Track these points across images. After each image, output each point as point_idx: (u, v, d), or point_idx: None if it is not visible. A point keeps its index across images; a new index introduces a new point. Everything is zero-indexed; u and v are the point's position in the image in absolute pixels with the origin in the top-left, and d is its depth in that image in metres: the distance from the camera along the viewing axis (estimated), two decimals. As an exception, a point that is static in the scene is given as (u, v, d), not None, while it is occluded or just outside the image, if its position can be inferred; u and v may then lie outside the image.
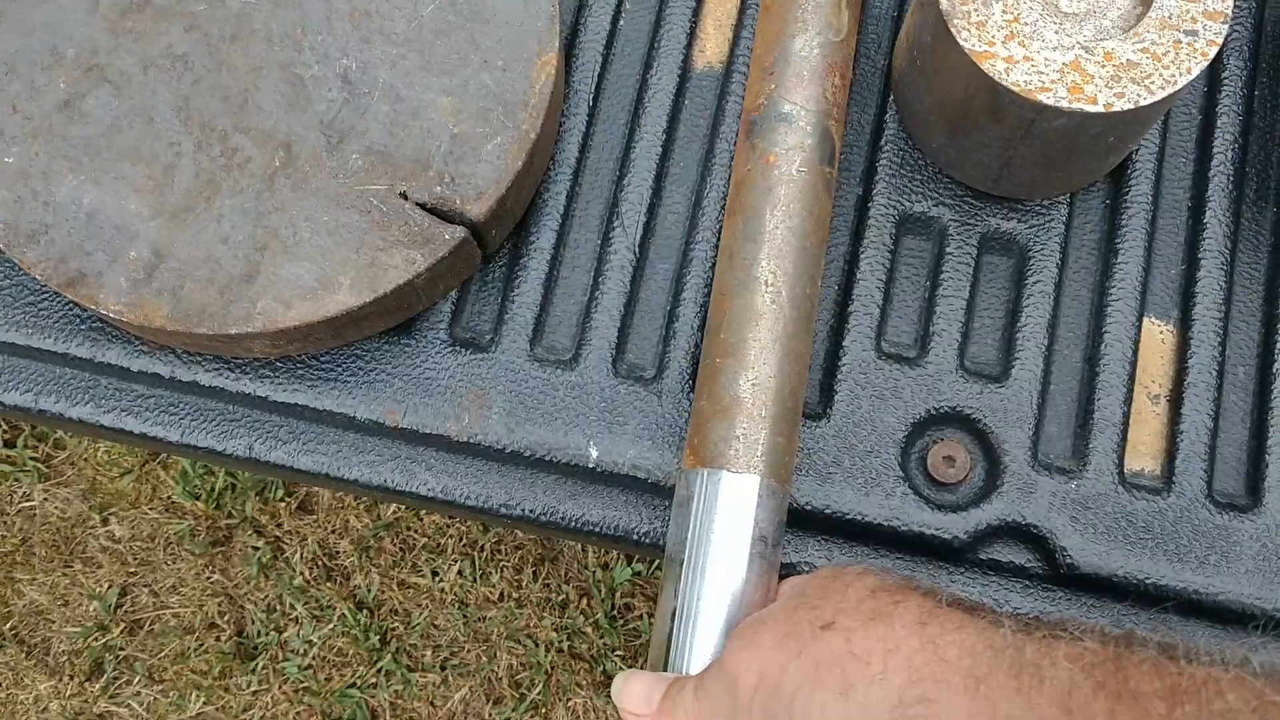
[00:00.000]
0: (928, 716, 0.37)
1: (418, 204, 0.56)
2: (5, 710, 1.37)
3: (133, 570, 1.41)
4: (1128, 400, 0.58)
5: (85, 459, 1.44)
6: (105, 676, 1.38)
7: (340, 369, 0.59)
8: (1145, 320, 0.60)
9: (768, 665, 0.42)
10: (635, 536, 0.58)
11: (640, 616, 1.37)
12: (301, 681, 1.37)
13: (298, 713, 1.37)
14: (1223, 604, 0.56)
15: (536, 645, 1.38)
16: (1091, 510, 0.57)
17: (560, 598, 1.39)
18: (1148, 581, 0.56)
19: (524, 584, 1.39)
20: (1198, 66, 0.52)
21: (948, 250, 0.60)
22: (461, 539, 1.40)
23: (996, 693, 0.36)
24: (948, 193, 0.61)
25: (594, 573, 1.39)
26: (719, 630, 0.49)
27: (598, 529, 0.58)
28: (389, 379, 0.59)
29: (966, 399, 0.58)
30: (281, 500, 1.42)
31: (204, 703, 1.37)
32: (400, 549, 1.41)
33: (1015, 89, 0.52)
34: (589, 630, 1.38)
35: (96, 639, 1.38)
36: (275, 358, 0.59)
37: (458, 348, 0.59)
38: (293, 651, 1.38)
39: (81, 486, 1.43)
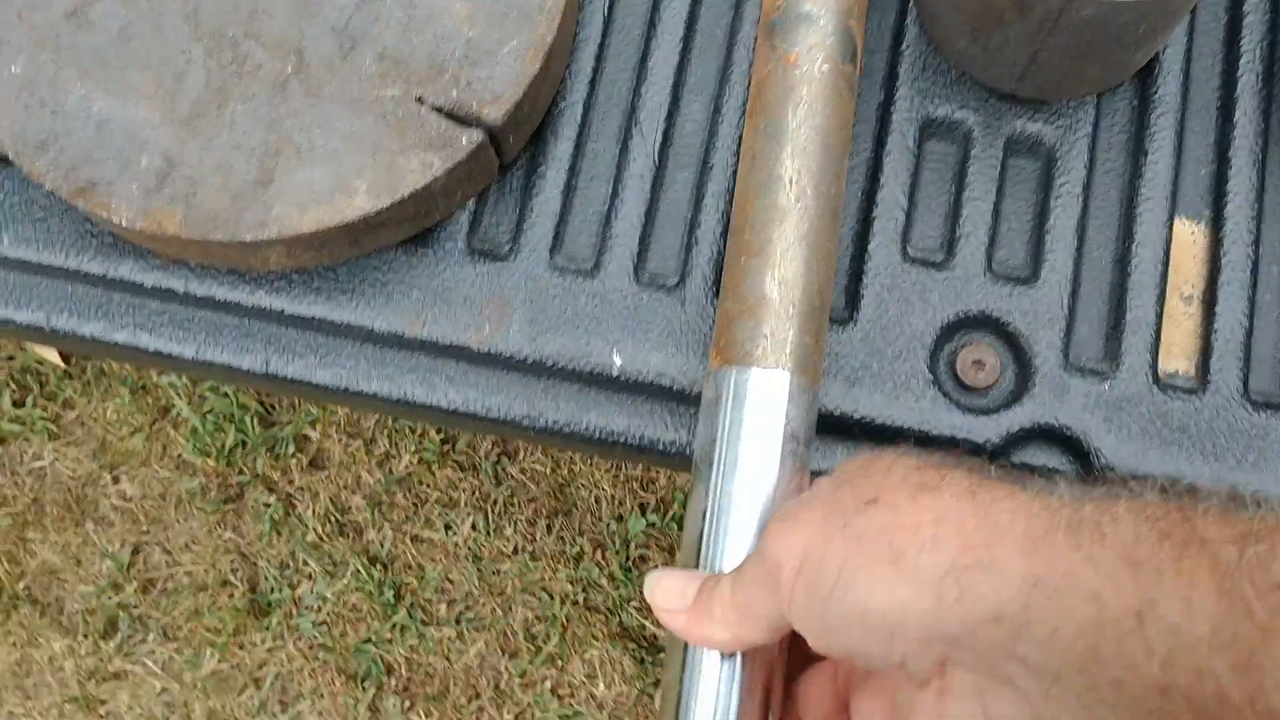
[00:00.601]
0: (982, 580, 0.36)
1: (434, 108, 0.55)
2: (21, 669, 1.37)
3: (145, 529, 1.40)
4: (1160, 301, 0.57)
5: (94, 418, 1.43)
6: (120, 635, 1.38)
7: (357, 280, 0.58)
8: (1176, 220, 0.59)
9: (811, 545, 0.41)
10: (660, 446, 0.57)
11: (656, 566, 1.36)
12: (316, 637, 1.37)
13: (313, 668, 1.36)
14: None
15: (552, 598, 1.37)
16: (1125, 411, 0.56)
17: (575, 550, 1.38)
18: (1186, 482, 0.55)
19: (538, 537, 1.39)
20: (1232, -52, 0.51)
21: (972, 154, 0.59)
22: (474, 493, 1.40)
23: (1054, 551, 0.35)
24: (971, 96, 0.60)
25: (608, 525, 1.38)
26: (752, 528, 0.48)
27: (622, 439, 0.57)
28: (407, 290, 0.58)
29: (995, 302, 0.57)
30: (293, 457, 1.41)
31: (219, 659, 1.37)
32: (413, 504, 1.40)
33: (1044, -25, 0.51)
34: (604, 582, 1.37)
35: (110, 597, 1.38)
36: (291, 270, 0.58)
37: (476, 258, 0.58)
38: (307, 608, 1.38)
39: (91, 446, 1.43)
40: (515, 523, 1.39)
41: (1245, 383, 0.56)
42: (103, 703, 1.36)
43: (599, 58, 0.61)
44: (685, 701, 0.47)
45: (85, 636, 1.38)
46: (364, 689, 1.36)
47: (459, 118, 0.55)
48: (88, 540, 1.40)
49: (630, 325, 0.57)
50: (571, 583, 1.37)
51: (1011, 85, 0.59)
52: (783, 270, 0.52)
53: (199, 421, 1.41)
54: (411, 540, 1.39)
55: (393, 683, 1.36)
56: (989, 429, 0.56)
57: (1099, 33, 0.53)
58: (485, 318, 0.57)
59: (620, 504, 1.39)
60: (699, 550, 0.49)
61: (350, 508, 1.40)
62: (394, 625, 1.37)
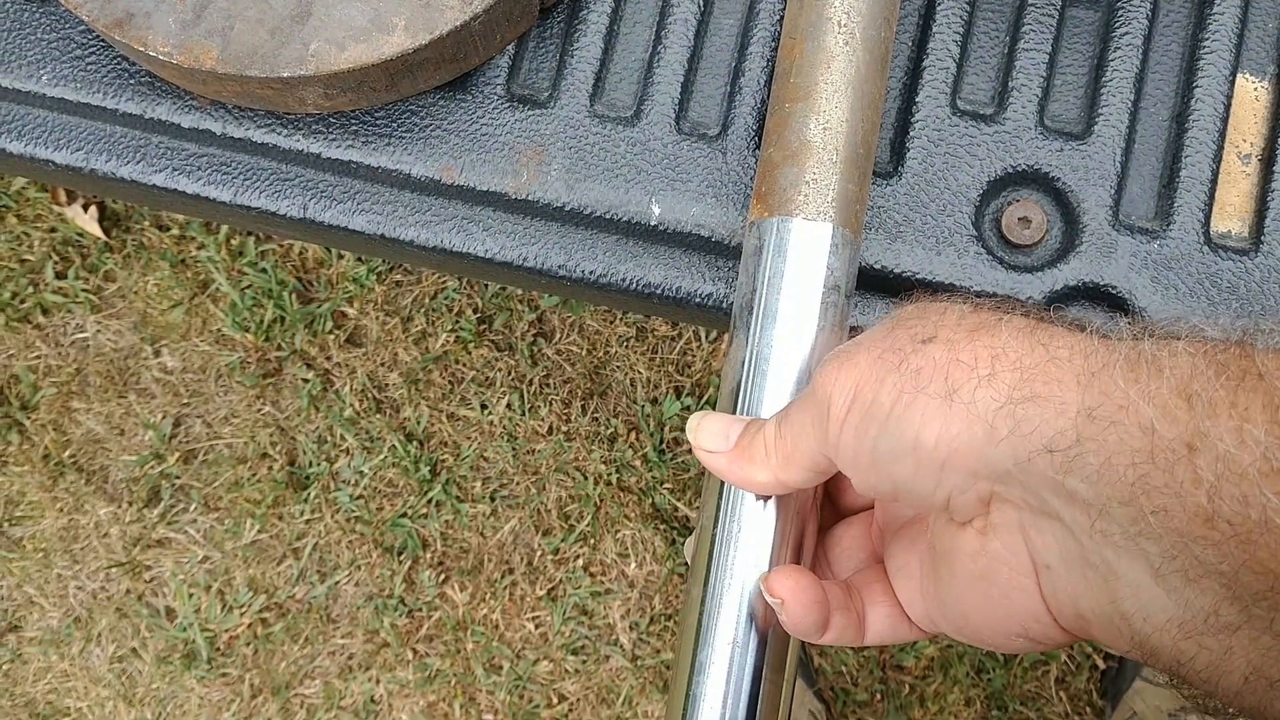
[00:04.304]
0: (1036, 413, 0.36)
1: (473, -56, 0.53)
2: (69, 534, 1.40)
3: (185, 401, 1.42)
4: (1216, 159, 0.55)
5: (136, 292, 1.45)
6: (162, 504, 1.40)
7: (395, 124, 0.57)
8: (1239, 76, 0.56)
9: (864, 381, 0.40)
10: (698, 299, 0.56)
11: (688, 451, 1.37)
12: (353, 511, 1.39)
13: (350, 540, 1.39)
14: (1309, 365, 0.54)
15: (585, 478, 1.39)
16: (1174, 271, 0.54)
17: (609, 431, 1.39)
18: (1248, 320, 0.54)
19: (573, 418, 1.39)
20: None
21: (1029, 2, 0.57)
22: (510, 373, 1.40)
23: (1110, 384, 0.35)
24: (1031, -58, 0.58)
25: (643, 407, 1.39)
26: (791, 378, 0.48)
27: (659, 291, 0.56)
28: (445, 135, 0.57)
29: (1045, 157, 0.56)
30: (330, 333, 1.42)
31: (259, 530, 1.39)
32: (449, 382, 1.41)
33: None
34: (637, 464, 1.38)
35: (153, 467, 1.41)
36: (329, 112, 0.57)
37: (515, 103, 0.57)
38: (344, 482, 1.40)
39: (133, 319, 1.44)
40: (550, 403, 1.40)
41: (1301, 244, 0.55)
42: (147, 568, 1.40)
43: (644, -101, 0.59)
44: (721, 544, 0.47)
45: (130, 504, 1.41)
46: (400, 561, 1.38)
47: (499, -46, 0.53)
48: (130, 411, 1.42)
49: (670, 175, 0.56)
50: (605, 463, 1.38)
51: (1072, -69, 0.57)
52: (828, 116, 0.51)
53: (238, 297, 1.42)
54: (447, 418, 1.41)
55: (428, 556, 1.39)
56: (1032, 286, 0.55)
57: None
58: (523, 164, 0.57)
59: (655, 387, 1.39)
60: (736, 399, 0.48)
61: (387, 384, 1.42)
62: (430, 500, 1.39)
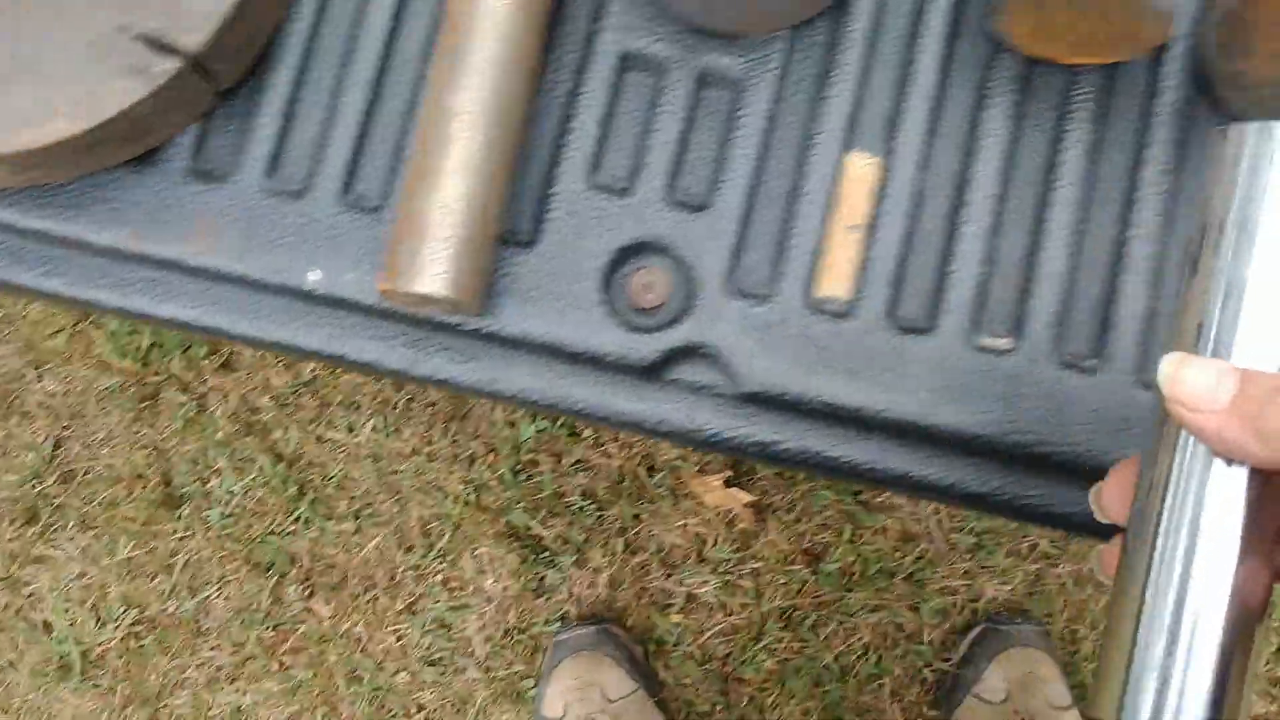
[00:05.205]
0: None
1: (137, 36, 0.59)
2: (-51, 551, 1.46)
3: (66, 424, 1.48)
4: (824, 229, 0.61)
5: (22, 317, 1.50)
6: (41, 522, 1.46)
7: (85, 197, 0.63)
8: (853, 153, 0.62)
9: None
10: (351, 358, 0.62)
11: (543, 472, 1.43)
12: (224, 529, 1.45)
13: (220, 557, 1.45)
14: (891, 419, 0.59)
15: (445, 497, 1.44)
16: (775, 333, 0.60)
17: (468, 453, 1.44)
18: (822, 398, 0.59)
19: (434, 439, 1.45)
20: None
21: (666, 85, 0.63)
22: (375, 397, 1.46)
23: None
24: (669, 30, 0.63)
25: (500, 430, 1.44)
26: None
27: (319, 352, 0.62)
28: (130, 206, 0.63)
29: (670, 228, 0.61)
30: (205, 359, 1.48)
31: (134, 547, 1.45)
32: (318, 405, 1.47)
33: (679, -81, 0.54)
34: (495, 484, 1.44)
35: (33, 487, 1.47)
36: (24, 185, 0.63)
37: (196, 178, 0.63)
38: (216, 501, 1.46)
39: (18, 344, 1.50)
40: (414, 425, 1.45)
41: (892, 308, 0.60)
42: (26, 584, 1.46)
43: (324, -11, 0.65)
44: (1179, 520, 0.39)
45: (11, 522, 1.46)
46: (268, 577, 1.44)
47: (160, 45, 0.59)
48: (11, 433, 1.48)
49: (331, 244, 0.62)
50: (464, 483, 1.44)
51: (701, 20, 0.62)
52: (444, 194, 0.57)
53: (117, 324, 1.47)
54: (316, 440, 1.46)
55: (295, 572, 1.45)
56: (647, 347, 0.60)
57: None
58: (199, 234, 0.62)
59: (512, 411, 1.45)
60: (1199, 338, 0.40)
61: (259, 408, 1.47)
62: (297, 519, 1.45)
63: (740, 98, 0.62)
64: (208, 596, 1.45)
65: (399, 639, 1.43)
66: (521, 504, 1.43)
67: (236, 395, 1.47)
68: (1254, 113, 0.59)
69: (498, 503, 1.44)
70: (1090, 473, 0.59)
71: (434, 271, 0.56)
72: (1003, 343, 0.60)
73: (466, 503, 1.44)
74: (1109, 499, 0.44)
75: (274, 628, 1.44)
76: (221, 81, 0.63)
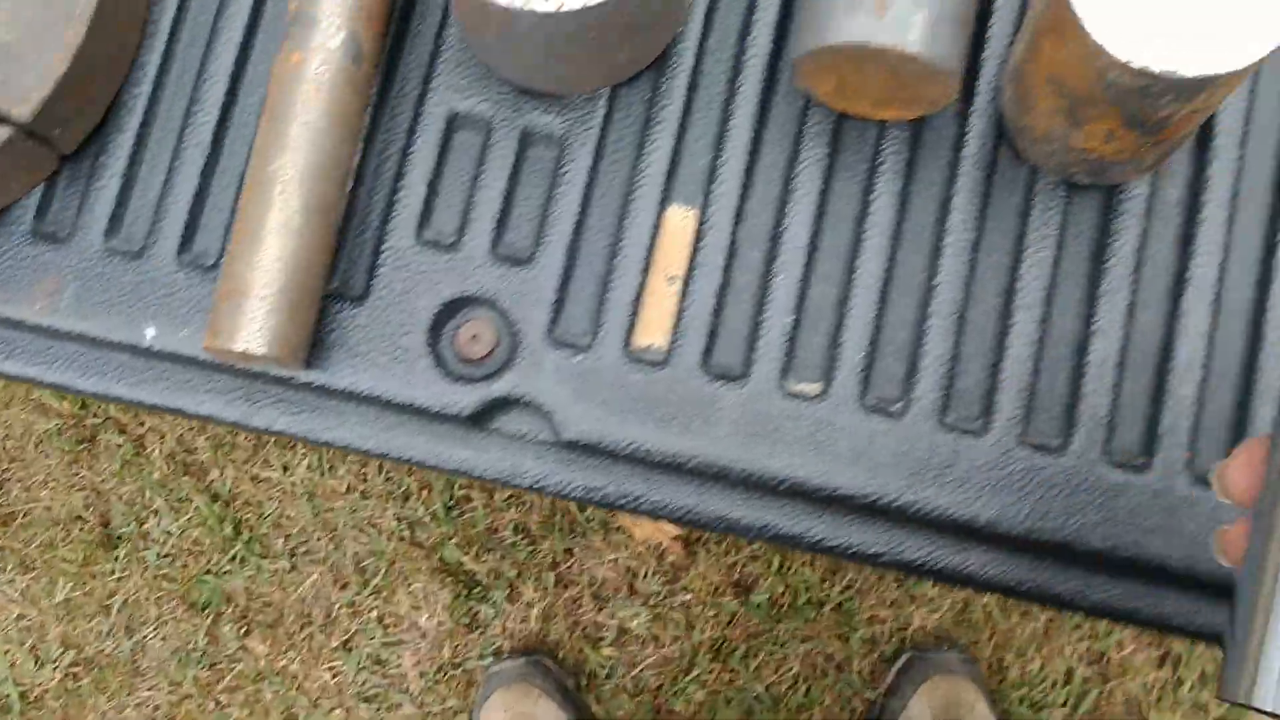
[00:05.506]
0: None
1: (-28, 108, 0.61)
2: (-109, 594, 1.48)
3: (5, 466, 1.50)
4: (643, 281, 0.63)
5: (-35, 363, 1.53)
6: (-18, 564, 1.48)
7: (-68, 261, 0.65)
8: (671, 206, 0.64)
9: None
10: (190, 410, 0.64)
11: (475, 508, 1.44)
12: (160, 569, 1.47)
13: (157, 597, 1.47)
14: (702, 465, 0.61)
15: (380, 534, 1.46)
16: (591, 382, 0.62)
17: (402, 490, 1.46)
18: (635, 446, 0.61)
19: (369, 477, 1.47)
20: (644, -35, 0.56)
21: (491, 144, 0.65)
22: (310, 435, 1.48)
23: None
24: (494, 90, 0.65)
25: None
26: None
27: (157, 404, 0.64)
28: (-25, 269, 0.65)
29: (495, 282, 0.63)
30: (143, 400, 1.50)
31: (71, 588, 1.47)
32: (253, 445, 1.49)
33: (475, -10, 0.56)
34: (428, 520, 1.45)
35: (-27, 529, 1.49)
36: (-128, 251, 0.65)
37: (39, 239, 0.65)
38: (153, 541, 1.48)
39: (-41, 389, 1.52)
40: (348, 463, 1.47)
41: (707, 356, 0.62)
42: (-33, 626, 1.47)
43: (166, 54, 0.67)
44: None
45: (-48, 565, 1.48)
46: (204, 616, 1.46)
47: (-7, 116, 0.61)
48: (-48, 476, 1.50)
49: (167, 302, 0.64)
50: (398, 520, 1.46)
51: (523, 81, 0.64)
52: (259, 256, 0.59)
53: (57, 366, 1.50)
54: (251, 479, 1.48)
55: (231, 611, 1.46)
56: (468, 397, 0.62)
57: (547, 40, 0.58)
58: (42, 294, 0.64)
59: (444, 447, 1.46)
60: None
61: (195, 448, 1.49)
62: (233, 558, 1.46)
63: (564, 155, 0.65)
64: (145, 636, 1.46)
65: (334, 675, 1.45)
66: (455, 539, 1.45)
67: (173, 436, 1.49)
68: (1047, 165, 0.61)
69: (431, 539, 1.46)
70: (895, 513, 0.60)
71: (252, 330, 0.58)
72: (812, 388, 0.61)
73: (401, 539, 1.46)
74: (1234, 478, 0.42)
75: (210, 666, 1.45)
76: (61, 146, 0.65)
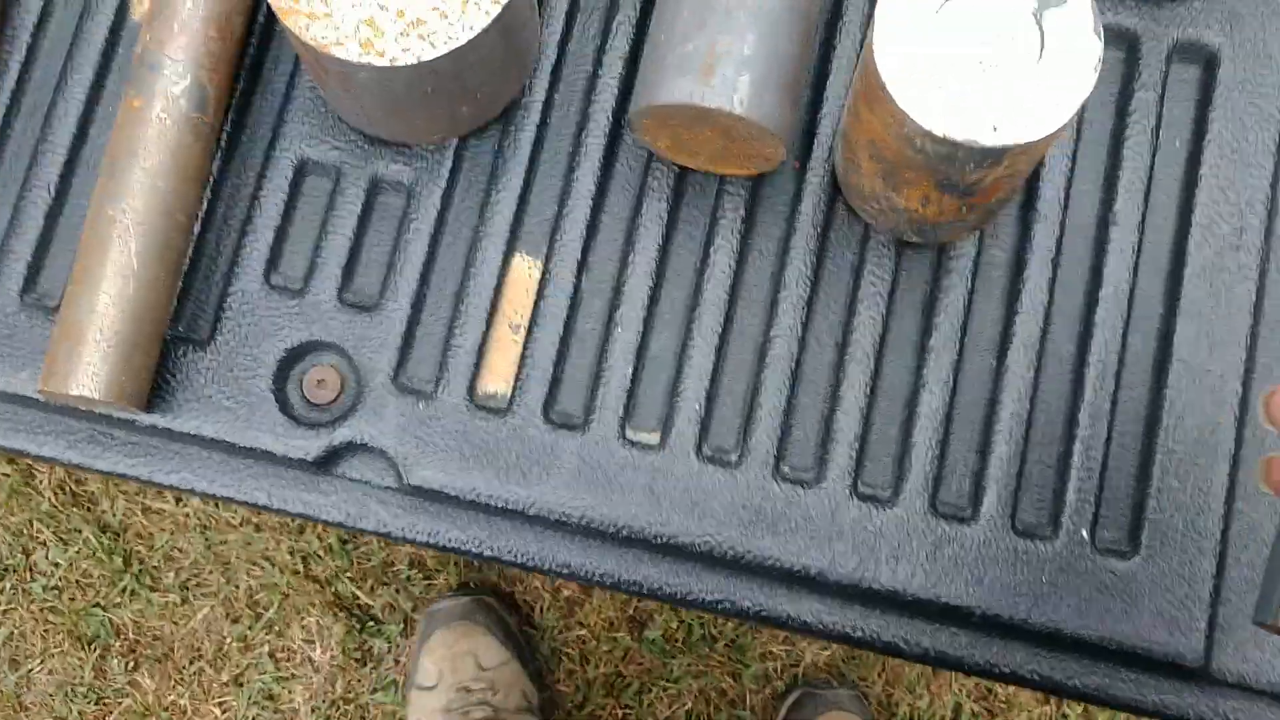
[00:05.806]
0: None
1: None
2: None
3: (-112, 496, 1.47)
4: (487, 329, 0.64)
5: None
6: None
7: None
8: (517, 256, 0.65)
9: None
10: (31, 453, 0.64)
11: (370, 542, 1.44)
12: (47, 601, 1.44)
13: (43, 630, 1.44)
14: (541, 513, 0.62)
15: (273, 567, 1.44)
16: (436, 428, 0.62)
17: (297, 523, 1.45)
18: (477, 493, 0.62)
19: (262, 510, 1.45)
20: (480, 24, 0.57)
21: (341, 190, 0.66)
22: (205, 467, 1.46)
23: None
24: (344, 138, 0.66)
25: (329, 499, 1.45)
26: None
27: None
28: None
29: (341, 327, 0.64)
30: (33, 430, 1.47)
31: (-46, 621, 1.44)
32: (147, 476, 1.47)
33: (312, 44, 0.57)
34: (322, 553, 1.44)
35: None
36: None
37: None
38: (40, 573, 1.45)
39: None
40: (243, 496, 1.46)
41: (547, 405, 0.63)
42: None
43: (15, 93, 0.67)
44: None
45: None
46: (91, 650, 1.43)
47: None
48: None
49: (7, 343, 0.64)
50: (292, 553, 1.44)
51: (370, 129, 0.65)
52: (95, 299, 0.59)
53: (-55, 394, 1.47)
54: (143, 511, 1.46)
55: (119, 645, 1.44)
56: (313, 443, 0.62)
57: (386, 91, 0.59)
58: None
59: (340, 480, 1.46)
60: None
61: (86, 479, 1.47)
62: (123, 590, 1.44)
63: (411, 203, 0.65)
64: (30, 670, 1.43)
65: (225, 711, 1.43)
66: (349, 573, 1.44)
67: (63, 467, 1.47)
68: (878, 223, 0.63)
69: (326, 572, 1.45)
70: (731, 561, 0.62)
71: (86, 374, 0.58)
72: (650, 438, 0.63)
73: (295, 573, 1.44)
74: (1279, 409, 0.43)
75: (97, 701, 1.43)
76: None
